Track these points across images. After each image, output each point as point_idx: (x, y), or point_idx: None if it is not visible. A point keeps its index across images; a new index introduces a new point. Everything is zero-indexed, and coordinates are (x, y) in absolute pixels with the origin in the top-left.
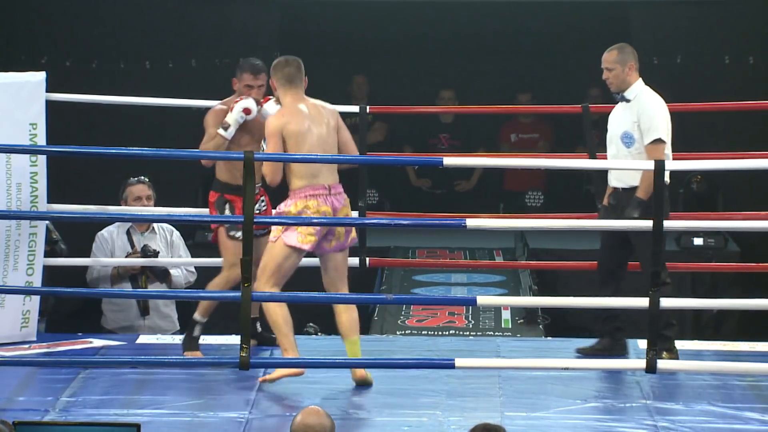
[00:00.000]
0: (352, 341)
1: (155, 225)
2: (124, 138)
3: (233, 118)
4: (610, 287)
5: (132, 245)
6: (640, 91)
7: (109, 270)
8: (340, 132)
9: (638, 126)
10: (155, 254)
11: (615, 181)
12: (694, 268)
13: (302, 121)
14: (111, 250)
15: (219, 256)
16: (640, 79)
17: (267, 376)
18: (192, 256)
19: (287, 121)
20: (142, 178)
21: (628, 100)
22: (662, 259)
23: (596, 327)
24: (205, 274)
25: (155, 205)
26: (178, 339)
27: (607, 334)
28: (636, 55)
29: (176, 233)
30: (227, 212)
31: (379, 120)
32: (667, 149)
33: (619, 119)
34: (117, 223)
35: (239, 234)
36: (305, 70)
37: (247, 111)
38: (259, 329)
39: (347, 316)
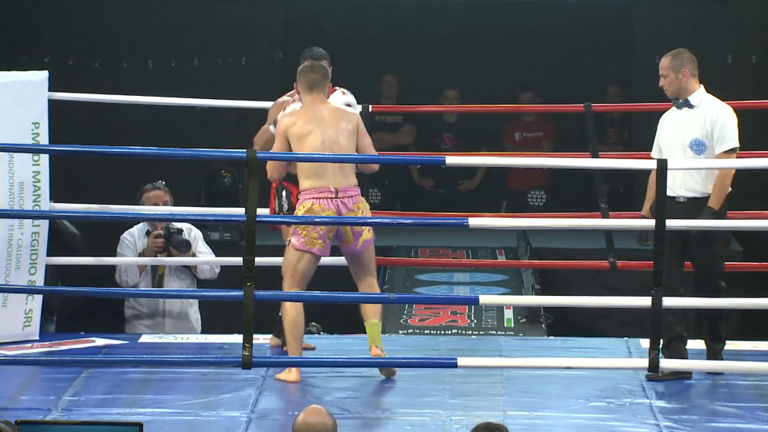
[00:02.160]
0: (371, 324)
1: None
2: (127, 137)
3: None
4: (677, 293)
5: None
6: (705, 98)
7: (135, 274)
8: (359, 138)
9: (711, 134)
10: (179, 231)
11: (681, 189)
12: None
13: (308, 123)
14: (134, 252)
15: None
16: (702, 86)
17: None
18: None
19: (293, 122)
20: (158, 183)
21: (692, 106)
22: (662, 258)
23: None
24: (228, 272)
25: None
26: (181, 338)
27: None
28: (694, 61)
29: (195, 231)
30: (284, 198)
31: (409, 122)
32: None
33: (683, 126)
34: (138, 225)
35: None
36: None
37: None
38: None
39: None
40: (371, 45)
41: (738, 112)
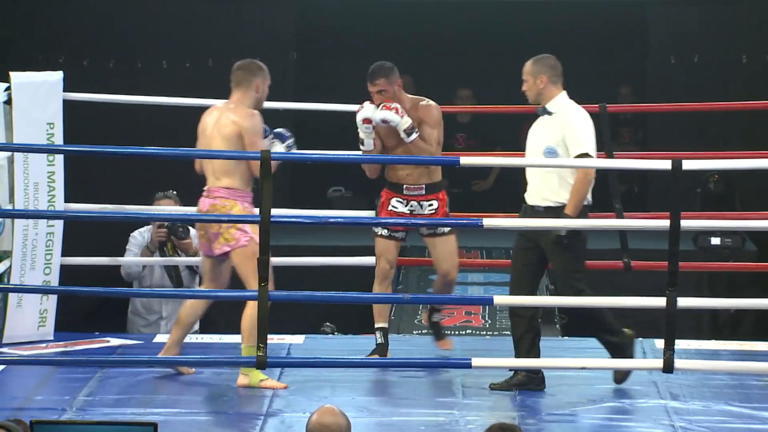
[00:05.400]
0: None
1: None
2: (141, 137)
3: (361, 132)
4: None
5: (162, 247)
6: (563, 105)
7: (139, 269)
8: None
9: (564, 142)
10: (184, 227)
11: (538, 199)
12: (711, 267)
13: None
14: (140, 248)
15: None
16: (564, 92)
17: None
18: None
19: None
20: (169, 192)
21: (550, 113)
22: (677, 258)
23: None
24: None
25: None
26: (195, 338)
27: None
28: (555, 68)
29: None
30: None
31: None
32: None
33: (541, 133)
34: (149, 226)
35: (379, 231)
36: (321, 67)
37: (366, 121)
38: (435, 318)
39: None
40: (385, 45)
41: (752, 112)
